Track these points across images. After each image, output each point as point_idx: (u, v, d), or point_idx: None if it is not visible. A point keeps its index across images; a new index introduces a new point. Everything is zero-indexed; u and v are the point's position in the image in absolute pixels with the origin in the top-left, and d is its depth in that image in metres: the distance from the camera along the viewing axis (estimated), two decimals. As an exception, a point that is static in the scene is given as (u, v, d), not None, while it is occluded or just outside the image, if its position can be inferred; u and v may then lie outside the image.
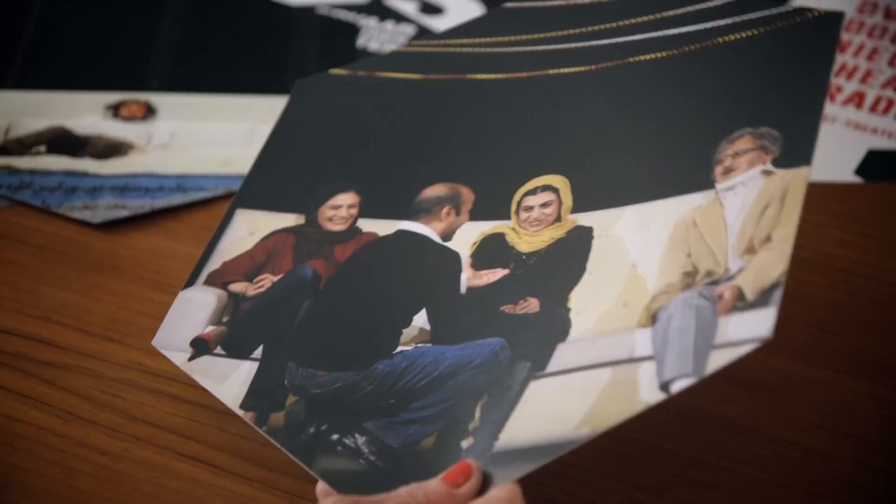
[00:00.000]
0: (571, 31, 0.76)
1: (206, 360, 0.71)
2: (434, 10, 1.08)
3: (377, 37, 1.06)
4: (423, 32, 1.06)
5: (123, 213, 0.86)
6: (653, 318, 0.61)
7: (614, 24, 0.74)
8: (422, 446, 0.64)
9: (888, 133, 0.91)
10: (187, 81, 1.00)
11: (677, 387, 0.58)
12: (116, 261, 0.83)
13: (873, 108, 0.93)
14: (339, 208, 0.76)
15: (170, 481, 0.69)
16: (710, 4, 0.70)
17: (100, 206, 0.87)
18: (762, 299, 0.57)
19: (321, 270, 0.73)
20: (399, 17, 1.08)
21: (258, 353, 0.71)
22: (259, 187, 0.79)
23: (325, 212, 0.76)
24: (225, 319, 0.73)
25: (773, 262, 0.58)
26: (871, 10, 1.04)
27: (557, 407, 0.61)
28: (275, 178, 0.79)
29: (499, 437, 0.62)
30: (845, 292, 0.79)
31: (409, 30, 1.07)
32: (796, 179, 0.60)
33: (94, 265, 0.83)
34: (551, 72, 0.75)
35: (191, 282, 0.75)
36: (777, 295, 0.57)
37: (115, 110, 0.96)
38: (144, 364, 0.75)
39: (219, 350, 0.71)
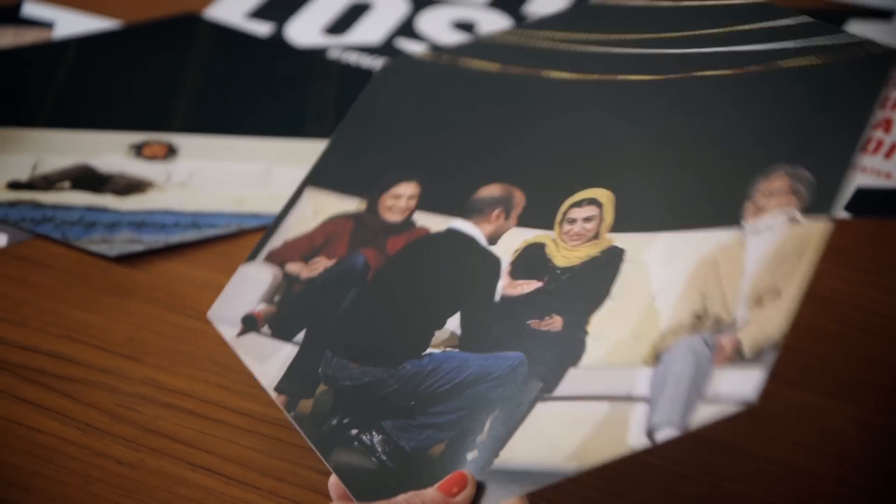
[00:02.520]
0: (647, 36, 0.73)
1: (252, 337, 0.73)
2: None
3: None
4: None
5: (139, 248, 0.89)
6: (657, 358, 0.59)
7: (689, 33, 0.71)
8: (431, 452, 0.65)
9: (876, 172, 0.95)
10: (209, 123, 1.03)
11: (662, 436, 0.56)
12: (135, 284, 0.87)
13: (863, 148, 0.93)
14: (400, 198, 0.76)
15: (182, 489, 0.72)
16: (781, 23, 0.67)
17: (116, 241, 0.90)
18: (756, 358, 0.55)
19: (372, 261, 0.74)
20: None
21: (300, 337, 0.72)
22: (330, 167, 0.80)
23: (386, 200, 0.76)
24: (277, 299, 0.75)
25: (775, 321, 0.55)
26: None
27: (554, 434, 0.61)
28: (346, 159, 0.80)
29: (499, 454, 0.62)
30: (832, 321, 0.82)
31: None
32: (816, 233, 0.57)
33: (114, 288, 0.87)
34: (620, 77, 0.73)
35: (252, 257, 0.77)
36: (770, 357, 0.54)
37: (139, 150, 0.99)
38: (159, 380, 0.79)
39: (265, 329, 0.74)
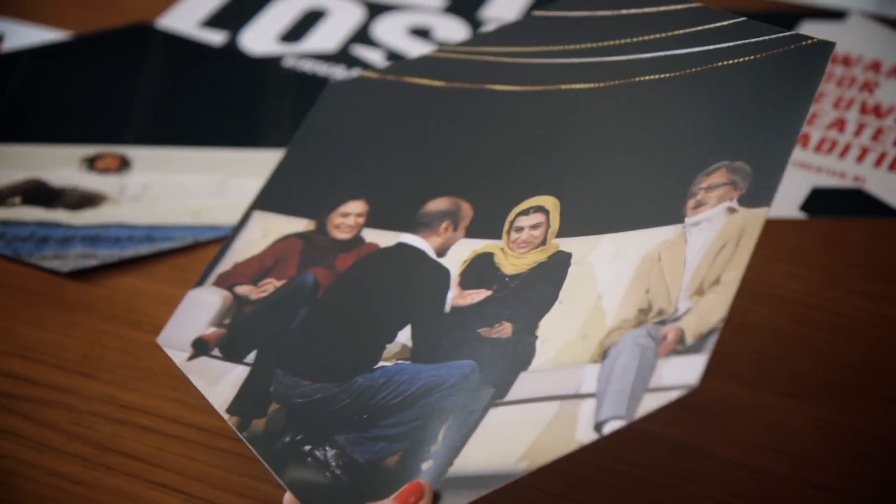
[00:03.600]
0: (588, 45, 0.74)
1: (203, 361, 0.73)
2: (399, 60, 1.09)
3: (340, 74, 1.07)
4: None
5: (92, 263, 0.88)
6: (604, 354, 0.59)
7: (628, 41, 0.72)
8: (385, 464, 0.64)
9: (831, 172, 0.96)
10: (163, 135, 1.01)
11: (609, 428, 0.56)
12: (90, 300, 0.86)
13: (818, 148, 0.98)
14: (348, 216, 0.76)
15: None
16: (719, 24, 0.67)
17: (70, 256, 0.89)
18: (698, 345, 0.55)
19: (322, 279, 0.74)
20: (365, 66, 1.09)
21: (251, 357, 0.72)
22: (277, 189, 0.80)
23: (334, 219, 0.76)
24: (226, 322, 0.74)
25: (715, 307, 0.55)
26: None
27: (506, 437, 0.60)
28: (293, 181, 0.80)
29: (453, 462, 0.62)
30: (789, 321, 0.82)
31: None
32: (754, 221, 0.57)
33: (68, 304, 0.86)
34: (563, 87, 0.73)
35: (201, 281, 0.77)
36: (711, 342, 0.54)
37: (91, 163, 0.98)
38: (116, 397, 0.78)
39: (216, 352, 0.73)
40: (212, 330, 0.74)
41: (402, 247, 0.73)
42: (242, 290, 0.75)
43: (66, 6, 1.18)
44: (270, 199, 0.79)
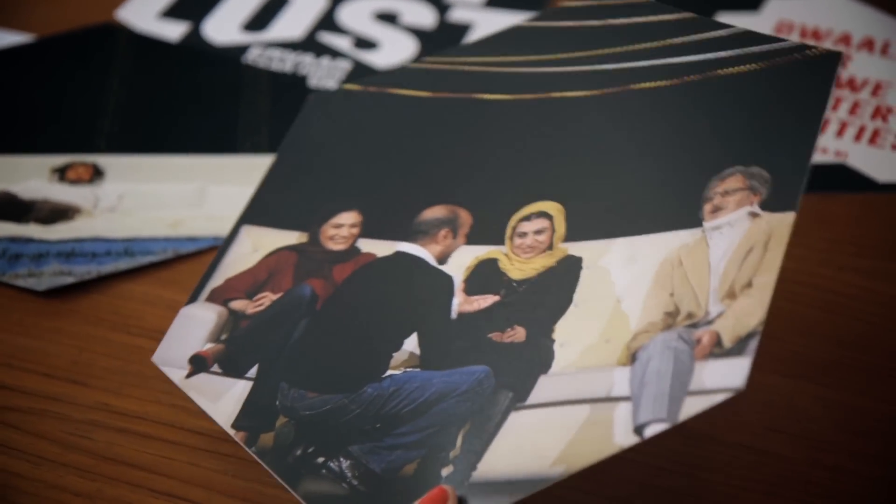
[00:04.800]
0: (580, 54, 0.75)
1: (202, 377, 0.72)
2: (368, 46, 1.09)
3: (314, 73, 1.06)
4: (360, 67, 1.06)
5: (69, 280, 0.85)
6: (632, 357, 0.61)
7: (621, 49, 0.73)
8: (403, 472, 0.64)
9: (822, 149, 0.96)
10: (136, 142, 0.98)
11: (650, 431, 0.57)
12: (73, 304, 0.84)
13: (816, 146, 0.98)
14: (341, 227, 0.76)
15: None
16: (714, 34, 0.69)
17: (45, 273, 0.86)
18: (738, 348, 0.57)
19: (319, 290, 0.73)
20: (334, 53, 1.08)
21: (253, 372, 0.71)
22: (265, 203, 0.79)
23: (328, 230, 0.76)
24: (224, 337, 0.74)
25: (752, 310, 0.57)
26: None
27: (535, 441, 0.61)
28: (281, 194, 0.79)
29: (476, 467, 0.62)
30: (785, 300, 0.80)
31: (345, 65, 1.07)
32: (781, 225, 0.59)
33: (51, 309, 0.83)
34: (556, 95, 0.74)
35: (193, 298, 0.76)
36: (752, 345, 0.56)
37: (62, 173, 0.94)
38: (110, 404, 0.77)
39: (216, 368, 0.72)
40: (209, 346, 0.73)
41: (400, 255, 0.73)
42: (238, 304, 0.75)
43: (22, 2, 1.14)
44: (259, 212, 0.79)
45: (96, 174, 0.95)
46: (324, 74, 1.05)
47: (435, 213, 0.74)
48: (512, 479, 0.60)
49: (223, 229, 0.85)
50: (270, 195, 0.79)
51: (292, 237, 0.77)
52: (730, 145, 0.64)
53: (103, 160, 0.96)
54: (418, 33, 1.11)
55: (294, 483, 0.66)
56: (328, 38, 1.11)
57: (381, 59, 1.07)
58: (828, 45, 1.07)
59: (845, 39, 1.07)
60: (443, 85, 0.79)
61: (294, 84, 1.04)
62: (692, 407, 0.56)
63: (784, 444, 0.73)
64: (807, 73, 0.64)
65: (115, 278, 0.86)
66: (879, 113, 0.98)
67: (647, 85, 0.70)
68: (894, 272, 0.85)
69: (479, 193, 0.73)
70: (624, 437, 0.58)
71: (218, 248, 0.78)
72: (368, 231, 0.75)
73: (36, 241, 0.89)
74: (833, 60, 0.63)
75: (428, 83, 0.80)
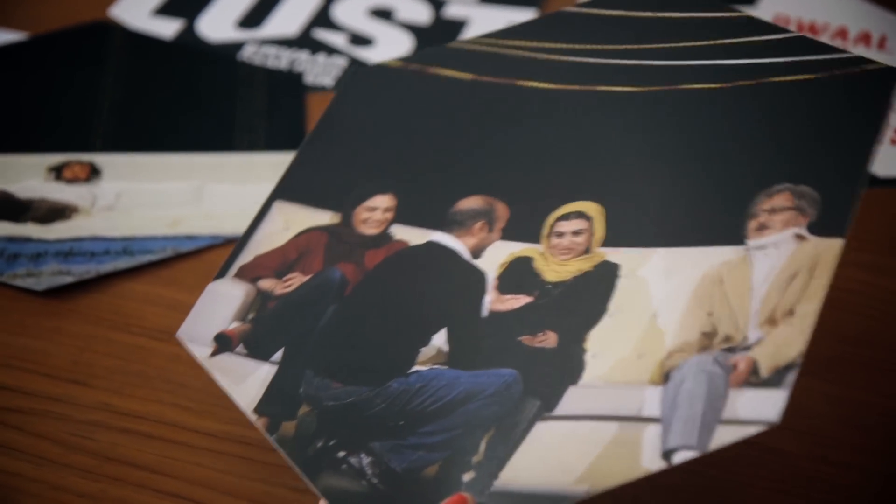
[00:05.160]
0: (627, 47, 0.72)
1: (226, 357, 0.71)
2: (363, 42, 1.08)
3: (310, 70, 1.05)
4: (355, 64, 1.05)
5: (68, 280, 0.84)
6: (665, 377, 0.59)
7: (670, 45, 0.71)
8: (424, 474, 0.64)
9: None
10: (132, 140, 0.97)
11: (679, 458, 0.56)
12: (73, 304, 0.83)
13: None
14: (375, 210, 0.74)
15: None
16: (767, 38, 0.67)
17: (44, 273, 0.85)
18: (775, 378, 0.55)
19: (350, 276, 0.72)
20: (330, 50, 1.07)
21: (278, 356, 0.70)
22: (299, 180, 0.77)
23: (361, 213, 0.75)
24: (251, 317, 0.72)
25: (792, 340, 0.55)
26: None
27: (560, 455, 0.60)
28: (316, 171, 0.78)
29: (499, 476, 0.61)
30: None
31: (341, 61, 1.06)
32: (828, 251, 0.57)
33: (51, 309, 0.83)
34: (601, 88, 0.72)
35: (221, 273, 0.74)
36: (791, 377, 0.54)
37: (58, 172, 0.93)
38: (112, 404, 0.76)
39: (241, 348, 0.71)
40: (235, 325, 0.72)
41: (433, 246, 0.72)
42: (266, 283, 0.74)
43: (15, 0, 1.13)
44: (292, 188, 0.77)
45: (93, 173, 0.94)
46: (320, 71, 1.05)
47: (471, 203, 0.72)
48: (534, 493, 0.59)
49: (222, 227, 0.85)
50: (305, 171, 0.78)
51: (325, 217, 0.75)
52: (779, 160, 0.62)
53: (100, 159, 0.95)
54: (413, 29, 1.11)
55: (313, 476, 0.65)
56: (323, 34, 1.10)
57: (376, 55, 1.07)
58: (824, 39, 1.04)
59: (842, 34, 1.06)
60: (485, 68, 0.77)
61: (290, 81, 1.04)
62: (723, 436, 0.55)
63: (789, 441, 0.72)
64: (864, 89, 0.61)
65: (115, 277, 0.85)
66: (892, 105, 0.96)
67: (696, 86, 0.68)
68: (893, 267, 0.84)
69: (517, 186, 0.71)
70: (651, 461, 0.57)
71: (235, 244, 0.77)
72: (402, 217, 0.74)
73: (34, 240, 0.88)
74: (892, 76, 0.60)
75: (471, 65, 0.78)
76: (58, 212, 0.90)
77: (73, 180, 0.93)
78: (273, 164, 0.93)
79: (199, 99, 1.02)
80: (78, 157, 0.95)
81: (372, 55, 1.06)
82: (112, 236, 0.88)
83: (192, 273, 0.82)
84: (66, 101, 1.01)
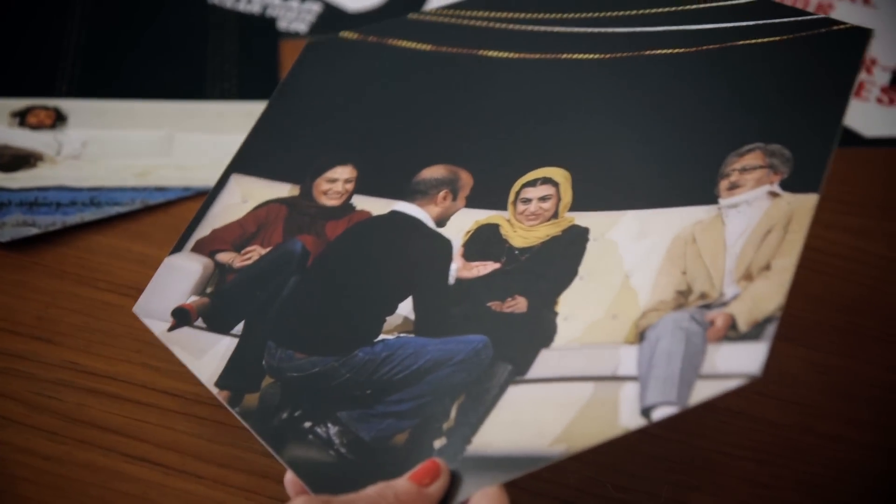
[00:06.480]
0: (589, 15, 0.72)
1: (185, 331, 0.69)
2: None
3: (284, 16, 1.02)
4: (330, 10, 1.02)
5: (33, 232, 0.81)
6: (640, 336, 0.59)
7: (634, 12, 0.70)
8: (394, 442, 0.62)
9: None
10: (99, 86, 0.94)
11: (658, 414, 0.55)
12: (37, 257, 0.80)
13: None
14: (336, 182, 0.73)
15: (119, 484, 0.67)
16: (732, 2, 0.67)
17: (7, 224, 0.82)
18: (754, 332, 0.55)
19: (311, 247, 0.71)
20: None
21: (239, 329, 0.69)
22: (256, 153, 0.76)
23: (321, 184, 0.73)
24: (209, 290, 0.71)
25: (770, 294, 0.55)
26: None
27: (535, 418, 0.59)
28: (273, 144, 0.76)
29: (471, 441, 0.60)
30: None
31: (315, 7, 1.03)
32: (802, 207, 0.57)
33: (14, 262, 0.80)
34: (564, 56, 0.72)
35: (178, 247, 0.73)
36: (770, 330, 0.54)
37: (22, 118, 0.90)
38: (79, 363, 0.74)
39: (199, 322, 0.70)
40: (193, 299, 0.70)
41: (397, 215, 0.71)
42: (225, 257, 0.72)
43: None
44: (249, 161, 0.76)
45: (58, 119, 0.90)
46: (293, 17, 1.02)
47: (434, 172, 0.71)
48: (508, 456, 0.59)
49: (193, 179, 0.82)
50: (262, 144, 0.76)
51: (284, 189, 0.74)
52: (749, 120, 0.62)
53: (65, 104, 0.92)
54: None
55: (279, 447, 0.64)
56: None
57: (351, 2, 1.04)
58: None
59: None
60: (445, 39, 0.76)
61: (262, 26, 1.00)
62: (703, 391, 0.54)
63: (776, 410, 0.72)
64: (833, 49, 0.62)
65: (81, 230, 0.82)
66: (864, 64, 0.95)
67: (663, 51, 0.68)
68: (882, 231, 0.83)
69: (481, 155, 0.71)
70: (630, 419, 0.56)
71: (205, 197, 0.75)
72: (364, 188, 0.72)
73: None
74: (862, 37, 0.61)
75: (430, 36, 0.77)
76: (22, 159, 0.87)
77: (37, 126, 0.89)
78: (246, 113, 0.89)
79: (168, 44, 0.99)
80: (43, 101, 0.91)
81: (346, 2, 1.04)
82: (79, 186, 0.85)
83: (161, 227, 0.80)
84: (29, 43, 0.97)
